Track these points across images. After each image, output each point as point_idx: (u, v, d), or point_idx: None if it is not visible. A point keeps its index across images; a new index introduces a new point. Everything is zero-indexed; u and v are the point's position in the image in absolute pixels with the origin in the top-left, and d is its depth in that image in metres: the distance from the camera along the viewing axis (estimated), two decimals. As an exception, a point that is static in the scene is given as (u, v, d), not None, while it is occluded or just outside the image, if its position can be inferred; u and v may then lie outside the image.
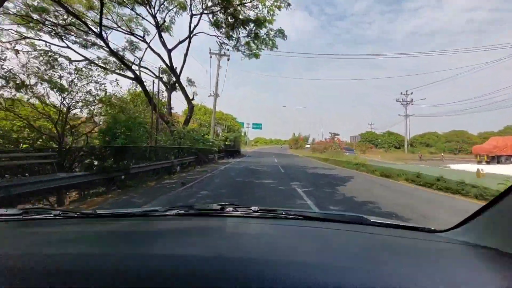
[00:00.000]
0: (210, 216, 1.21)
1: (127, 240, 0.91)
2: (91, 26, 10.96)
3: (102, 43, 11.58)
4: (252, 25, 11.80)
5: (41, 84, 8.00)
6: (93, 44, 12.65)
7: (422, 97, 57.52)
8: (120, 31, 12.95)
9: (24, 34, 10.23)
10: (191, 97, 16.06)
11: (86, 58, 11.65)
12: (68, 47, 11.52)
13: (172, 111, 16.99)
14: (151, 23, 12.98)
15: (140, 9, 13.15)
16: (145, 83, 13.13)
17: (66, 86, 8.27)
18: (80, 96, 8.80)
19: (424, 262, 0.73)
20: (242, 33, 12.44)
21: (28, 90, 7.74)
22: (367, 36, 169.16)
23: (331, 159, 21.31)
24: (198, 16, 12.86)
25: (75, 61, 10.12)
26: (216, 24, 12.34)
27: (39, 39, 10.46)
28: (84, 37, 12.21)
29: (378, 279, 0.59)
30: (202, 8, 12.43)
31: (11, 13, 9.61)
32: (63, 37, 11.29)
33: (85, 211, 1.30)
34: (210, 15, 12.36)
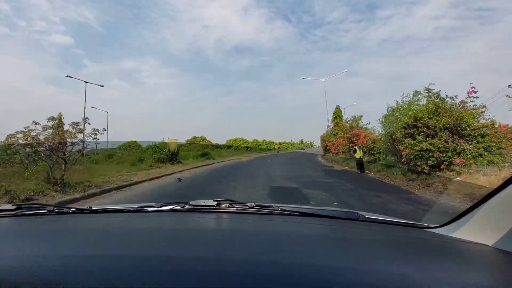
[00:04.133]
0: (206, 212, 1.20)
1: (121, 236, 0.90)
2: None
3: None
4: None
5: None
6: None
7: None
8: None
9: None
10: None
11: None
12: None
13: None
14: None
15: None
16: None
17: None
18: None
19: (417, 258, 0.73)
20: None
21: None
22: (343, 43, 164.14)
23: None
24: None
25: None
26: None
27: None
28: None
29: (371, 275, 0.60)
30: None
31: None
32: None
33: (79, 207, 1.28)
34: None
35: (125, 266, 0.62)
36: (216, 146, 37.97)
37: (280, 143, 54.06)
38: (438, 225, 1.02)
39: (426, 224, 1.07)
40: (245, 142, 46.72)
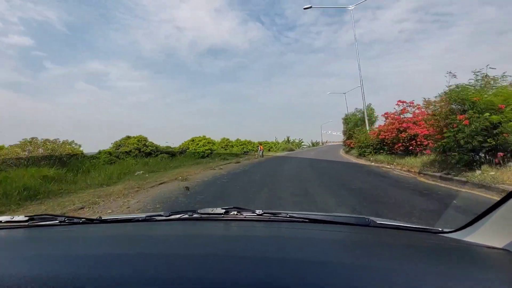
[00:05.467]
0: (214, 220, 1.21)
1: (131, 245, 0.92)
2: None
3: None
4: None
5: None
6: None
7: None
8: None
9: None
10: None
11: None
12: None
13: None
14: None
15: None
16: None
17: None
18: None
19: (432, 264, 0.71)
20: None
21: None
22: (315, 45, 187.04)
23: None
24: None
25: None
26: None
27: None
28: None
29: (386, 281, 0.58)
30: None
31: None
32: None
33: (89, 217, 1.32)
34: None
35: (135, 275, 0.62)
36: (159, 151, 23.45)
37: (261, 143, 37.22)
38: (452, 229, 0.99)
39: (440, 229, 1.05)
40: (208, 143, 29.28)
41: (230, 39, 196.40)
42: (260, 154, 26.59)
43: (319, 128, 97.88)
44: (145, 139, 23.26)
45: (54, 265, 0.72)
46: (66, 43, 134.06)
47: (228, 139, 34.77)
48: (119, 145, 22.50)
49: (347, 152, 23.42)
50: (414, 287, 0.56)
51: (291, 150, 45.15)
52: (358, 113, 24.17)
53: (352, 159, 16.96)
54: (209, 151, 27.38)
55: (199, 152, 26.79)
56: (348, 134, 23.37)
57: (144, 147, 22.48)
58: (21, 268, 0.70)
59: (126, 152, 21.26)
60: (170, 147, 27.11)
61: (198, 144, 29.02)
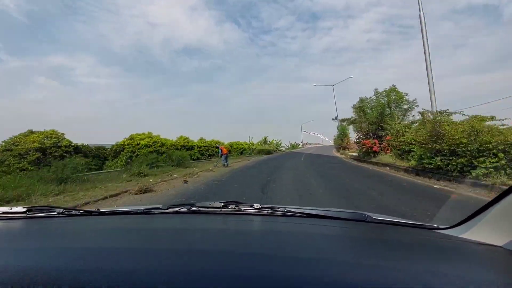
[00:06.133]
0: (213, 214, 1.21)
1: (129, 237, 0.92)
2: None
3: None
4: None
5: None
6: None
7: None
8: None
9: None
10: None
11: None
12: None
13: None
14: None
15: None
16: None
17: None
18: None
19: (427, 260, 0.72)
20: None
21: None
22: (290, 49, 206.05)
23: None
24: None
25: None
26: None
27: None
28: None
29: (382, 277, 0.59)
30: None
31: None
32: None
33: (88, 209, 1.31)
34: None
35: (132, 267, 0.62)
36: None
37: (232, 145, 30.19)
38: (448, 226, 1.00)
39: (435, 225, 1.06)
40: (155, 142, 20.03)
41: (205, 38, 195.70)
42: (223, 161, 15.38)
43: (298, 128, 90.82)
44: (59, 136, 16.13)
45: (52, 256, 0.72)
46: (26, 34, 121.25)
47: (187, 138, 24.69)
48: (13, 144, 15.09)
49: (363, 160, 13.91)
50: (409, 282, 0.57)
51: (269, 153, 35.15)
52: (382, 97, 14.49)
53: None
54: (156, 153, 16.43)
55: (146, 155, 15.33)
56: (368, 129, 14.65)
57: (55, 149, 15.20)
58: (18, 260, 0.70)
59: (20, 155, 13.92)
60: (104, 148, 19.34)
61: (139, 144, 19.32)
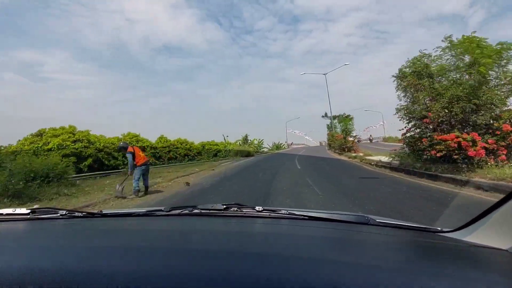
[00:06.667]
0: (214, 216, 1.21)
1: (131, 239, 0.92)
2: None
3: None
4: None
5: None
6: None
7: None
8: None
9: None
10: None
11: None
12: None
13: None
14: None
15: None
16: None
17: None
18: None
19: (431, 264, 0.71)
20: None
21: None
22: (272, 50, 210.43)
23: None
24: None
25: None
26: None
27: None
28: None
29: (384, 280, 0.58)
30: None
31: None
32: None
33: (91, 211, 1.34)
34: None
35: (134, 269, 0.62)
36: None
37: (204, 144, 26.12)
38: (451, 229, 0.99)
39: (439, 228, 1.04)
40: (77, 140, 13.61)
41: (187, 37, 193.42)
42: (135, 181, 6.65)
43: (282, 128, 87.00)
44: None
45: (55, 258, 0.72)
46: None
47: (139, 134, 19.05)
48: None
49: (420, 174, 7.18)
50: (412, 286, 0.56)
51: (249, 155, 27.53)
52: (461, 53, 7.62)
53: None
54: (75, 157, 11.87)
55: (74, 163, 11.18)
56: (444, 112, 7.25)
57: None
58: (22, 261, 0.70)
59: None
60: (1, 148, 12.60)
61: (49, 143, 13.16)
